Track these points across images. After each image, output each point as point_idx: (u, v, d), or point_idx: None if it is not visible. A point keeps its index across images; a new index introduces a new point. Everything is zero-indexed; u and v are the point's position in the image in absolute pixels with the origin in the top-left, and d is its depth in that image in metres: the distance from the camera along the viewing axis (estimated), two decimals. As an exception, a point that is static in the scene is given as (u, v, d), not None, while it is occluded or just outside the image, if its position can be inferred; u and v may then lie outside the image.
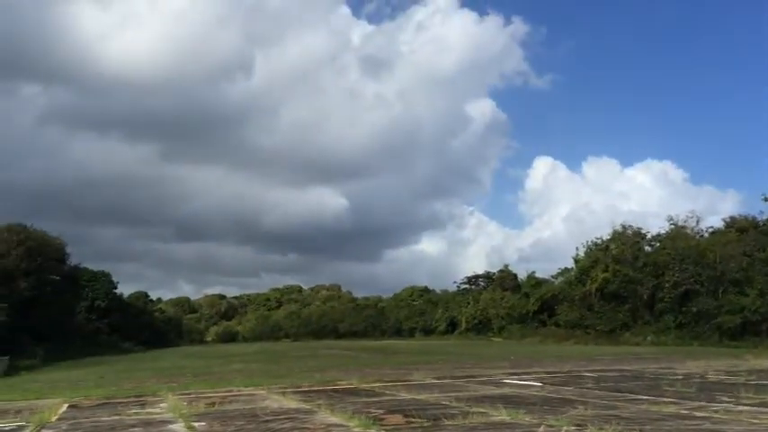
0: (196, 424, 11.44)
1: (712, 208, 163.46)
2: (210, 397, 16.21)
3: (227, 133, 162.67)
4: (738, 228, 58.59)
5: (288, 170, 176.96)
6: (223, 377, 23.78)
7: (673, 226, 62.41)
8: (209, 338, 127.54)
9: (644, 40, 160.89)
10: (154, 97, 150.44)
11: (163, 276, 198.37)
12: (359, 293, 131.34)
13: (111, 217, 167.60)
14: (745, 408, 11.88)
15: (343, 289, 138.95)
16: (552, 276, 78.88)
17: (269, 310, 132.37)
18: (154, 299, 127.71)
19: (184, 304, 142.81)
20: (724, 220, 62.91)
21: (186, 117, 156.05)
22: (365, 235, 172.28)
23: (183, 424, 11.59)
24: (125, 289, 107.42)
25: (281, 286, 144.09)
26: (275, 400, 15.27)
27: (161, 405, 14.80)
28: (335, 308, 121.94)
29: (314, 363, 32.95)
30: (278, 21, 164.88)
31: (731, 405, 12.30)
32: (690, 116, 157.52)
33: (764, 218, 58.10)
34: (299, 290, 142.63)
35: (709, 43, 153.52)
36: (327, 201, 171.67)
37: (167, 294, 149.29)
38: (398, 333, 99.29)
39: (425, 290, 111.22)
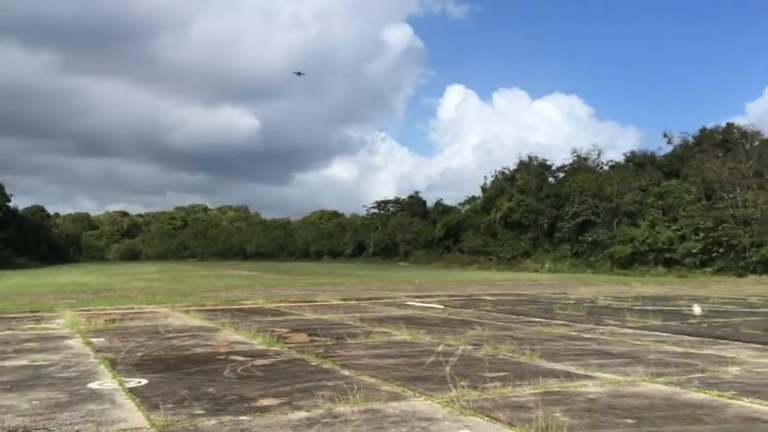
0: (94, 340, 11.23)
1: (614, 143, 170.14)
2: (111, 314, 15.91)
3: (134, 46, 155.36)
4: (637, 162, 61.23)
5: (198, 87, 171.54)
6: (124, 295, 23.33)
7: (576, 158, 64.72)
8: (110, 256, 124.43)
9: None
10: (55, 2, 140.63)
11: (62, 191, 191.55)
12: (268, 215, 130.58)
13: (6, 128, 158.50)
14: (629, 330, 12.68)
15: (252, 210, 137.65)
16: (459, 204, 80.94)
17: (174, 228, 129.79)
18: (51, 214, 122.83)
19: (84, 220, 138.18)
20: (624, 154, 65.62)
21: (90, 26, 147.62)
22: (276, 157, 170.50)
23: (80, 339, 11.35)
24: (21, 203, 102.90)
25: (186, 205, 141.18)
26: (178, 318, 15.15)
27: (58, 321, 14.43)
28: (243, 228, 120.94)
29: (219, 282, 32.77)
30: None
31: (616, 328, 13.10)
32: (597, 54, 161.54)
33: (662, 153, 60.95)
34: (206, 209, 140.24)
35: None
36: (238, 121, 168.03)
37: (66, 210, 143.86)
38: (306, 255, 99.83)
39: (335, 214, 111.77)
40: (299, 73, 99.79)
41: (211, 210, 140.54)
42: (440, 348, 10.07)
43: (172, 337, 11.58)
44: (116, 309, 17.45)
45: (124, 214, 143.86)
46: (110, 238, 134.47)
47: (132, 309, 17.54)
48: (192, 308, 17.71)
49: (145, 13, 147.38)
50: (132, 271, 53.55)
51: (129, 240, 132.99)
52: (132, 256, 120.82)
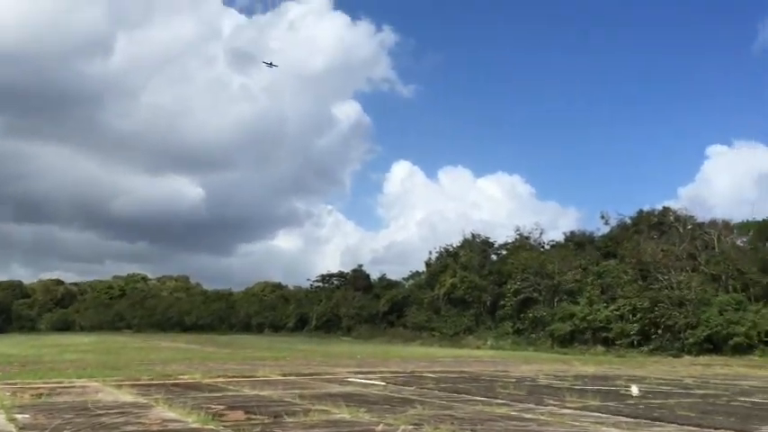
0: (18, 416, 10.69)
1: (555, 222, 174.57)
2: (38, 388, 15.21)
3: (80, 113, 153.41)
4: (577, 242, 62.84)
5: (143, 156, 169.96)
6: (54, 368, 22.38)
7: (519, 236, 66.06)
8: (41, 326, 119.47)
9: (501, 63, 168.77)
10: (2, 67, 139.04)
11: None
12: (210, 286, 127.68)
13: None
14: (569, 411, 12.73)
15: (193, 281, 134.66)
16: (403, 279, 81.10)
17: (111, 298, 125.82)
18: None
19: (16, 288, 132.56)
20: (564, 233, 67.30)
21: (37, 91, 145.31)
22: (220, 227, 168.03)
23: (3, 416, 10.79)
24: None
25: (125, 274, 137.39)
26: (109, 393, 14.58)
27: (-20, 395, 13.70)
28: (183, 299, 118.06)
29: (156, 356, 31.78)
30: (145, 1, 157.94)
31: (556, 408, 13.14)
32: (538, 136, 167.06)
33: (600, 234, 62.75)
34: (145, 279, 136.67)
35: (559, 67, 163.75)
36: (183, 190, 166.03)
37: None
38: (247, 328, 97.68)
39: (278, 286, 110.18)
40: (270, 64, 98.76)
41: (151, 279, 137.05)
42: (379, 428, 9.92)
43: (101, 414, 11.11)
44: (44, 383, 16.70)
45: (59, 282, 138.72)
46: (42, 308, 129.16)
47: (61, 383, 16.82)
48: (124, 382, 17.07)
49: (93, 82, 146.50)
50: (64, 342, 51.55)
51: (63, 310, 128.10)
52: (65, 327, 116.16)
